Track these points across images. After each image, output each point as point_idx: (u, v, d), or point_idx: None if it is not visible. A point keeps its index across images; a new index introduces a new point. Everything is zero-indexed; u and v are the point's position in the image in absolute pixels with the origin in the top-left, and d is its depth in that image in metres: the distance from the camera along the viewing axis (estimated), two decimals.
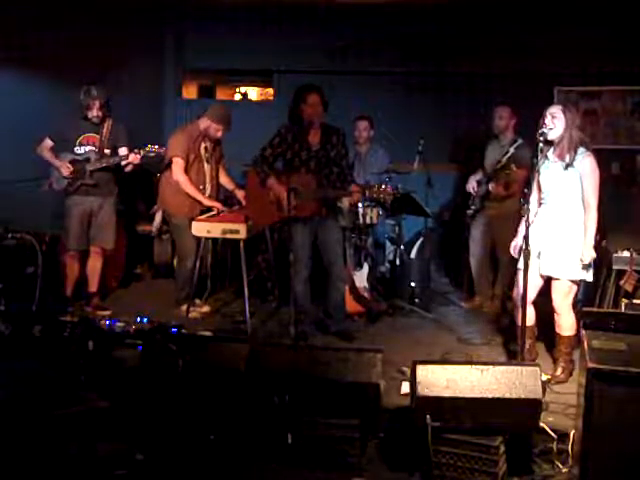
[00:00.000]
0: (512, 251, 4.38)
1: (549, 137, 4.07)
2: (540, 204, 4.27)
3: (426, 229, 6.32)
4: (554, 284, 4.23)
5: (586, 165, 4.06)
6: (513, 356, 4.42)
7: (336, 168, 4.99)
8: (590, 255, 4.08)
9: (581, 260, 4.08)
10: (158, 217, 6.54)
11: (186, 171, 5.51)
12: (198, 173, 5.58)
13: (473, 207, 5.87)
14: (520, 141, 5.53)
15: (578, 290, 4.39)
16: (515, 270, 4.28)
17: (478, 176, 5.88)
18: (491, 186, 5.59)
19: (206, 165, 5.63)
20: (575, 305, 4.34)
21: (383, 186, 4.92)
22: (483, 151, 5.93)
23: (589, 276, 4.19)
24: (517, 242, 4.31)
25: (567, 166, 4.09)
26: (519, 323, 4.30)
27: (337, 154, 4.98)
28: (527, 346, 4.30)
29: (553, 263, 4.18)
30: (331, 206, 5.10)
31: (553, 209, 4.20)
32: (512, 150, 5.52)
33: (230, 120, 5.54)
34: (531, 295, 4.29)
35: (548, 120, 4.09)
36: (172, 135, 5.65)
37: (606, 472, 3.02)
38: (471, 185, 5.84)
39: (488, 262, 5.94)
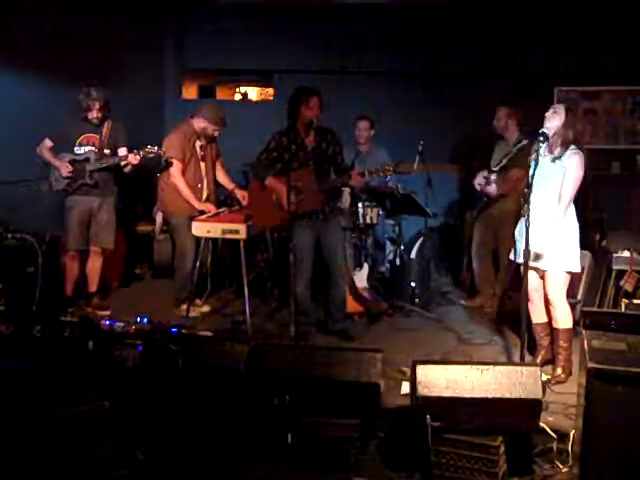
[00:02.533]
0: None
1: (545, 126, 4.12)
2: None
3: (426, 229, 6.32)
4: (546, 276, 4.25)
5: (572, 162, 4.12)
6: (530, 354, 4.39)
7: (333, 164, 5.07)
8: (543, 247, 4.10)
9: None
10: (159, 218, 6.55)
11: (183, 171, 5.51)
12: (195, 172, 5.59)
13: (478, 206, 5.86)
14: (525, 142, 5.53)
15: (573, 284, 4.39)
16: (517, 269, 4.29)
17: (485, 173, 5.88)
18: (490, 188, 5.56)
19: (202, 163, 5.64)
20: (573, 306, 4.35)
21: (386, 166, 4.96)
22: (491, 150, 5.93)
23: (576, 267, 4.22)
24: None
25: (554, 159, 4.15)
26: (533, 320, 4.33)
27: (333, 151, 5.05)
28: (545, 343, 4.36)
29: (542, 255, 4.18)
30: (333, 204, 5.11)
31: (541, 202, 4.19)
32: (515, 151, 5.52)
33: (225, 118, 5.56)
34: (538, 291, 4.32)
35: (549, 113, 4.17)
36: (166, 137, 5.66)
37: (606, 472, 3.02)
38: (478, 181, 5.80)
39: (490, 261, 5.93)
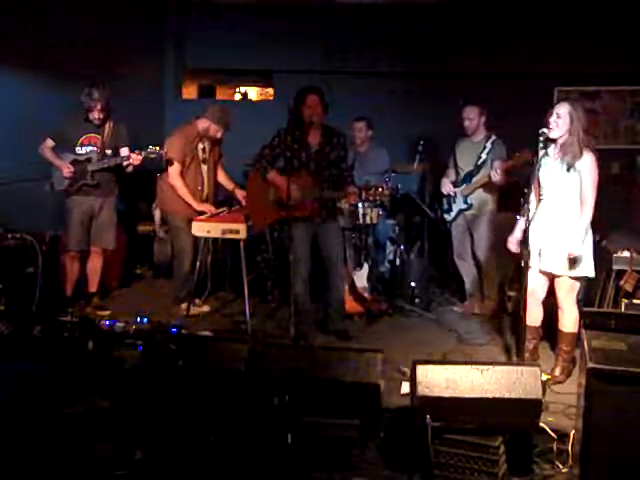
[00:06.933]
0: (510, 246, 4.40)
1: (550, 135, 4.09)
2: (539, 200, 4.28)
3: (426, 229, 6.29)
4: (557, 280, 4.24)
5: (586, 162, 4.07)
6: (516, 355, 4.42)
7: (335, 169, 5.00)
8: (578, 252, 4.06)
9: (569, 254, 4.07)
10: (157, 215, 6.55)
11: (183, 172, 5.51)
12: (196, 174, 5.58)
13: (455, 209, 5.78)
14: (494, 137, 5.56)
15: (581, 287, 4.38)
16: (516, 269, 4.29)
17: (451, 177, 5.84)
18: (493, 174, 5.41)
19: (203, 166, 5.63)
20: (578, 303, 4.34)
21: (380, 188, 4.92)
22: (453, 151, 5.86)
23: (590, 272, 4.19)
24: (515, 236, 4.35)
25: (569, 168, 4.09)
26: (526, 322, 4.31)
27: (337, 155, 4.99)
28: (531, 346, 4.32)
29: (554, 260, 4.18)
30: (330, 207, 5.10)
31: (554, 206, 4.20)
32: (489, 145, 5.54)
33: (230, 121, 5.55)
34: (539, 294, 4.31)
35: (553, 119, 4.11)
36: (169, 137, 5.66)
37: (606, 472, 3.02)
38: (447, 187, 5.77)
39: (472, 264, 5.86)
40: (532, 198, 4.20)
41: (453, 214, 5.79)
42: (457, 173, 5.77)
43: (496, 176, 5.35)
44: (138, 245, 6.81)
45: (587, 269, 4.17)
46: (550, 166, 4.18)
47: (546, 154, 4.17)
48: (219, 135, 5.58)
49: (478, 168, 5.60)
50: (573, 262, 4.10)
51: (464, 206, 5.70)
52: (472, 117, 5.63)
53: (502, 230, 4.92)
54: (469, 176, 5.65)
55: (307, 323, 5.04)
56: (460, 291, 6.09)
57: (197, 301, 5.74)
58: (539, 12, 6.93)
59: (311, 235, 5.01)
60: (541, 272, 4.26)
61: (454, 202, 5.75)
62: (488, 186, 5.55)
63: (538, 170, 4.12)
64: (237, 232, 5.17)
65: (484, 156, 5.56)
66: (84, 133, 5.41)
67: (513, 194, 4.93)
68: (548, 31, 6.92)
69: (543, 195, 4.24)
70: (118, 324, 4.37)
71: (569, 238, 4.10)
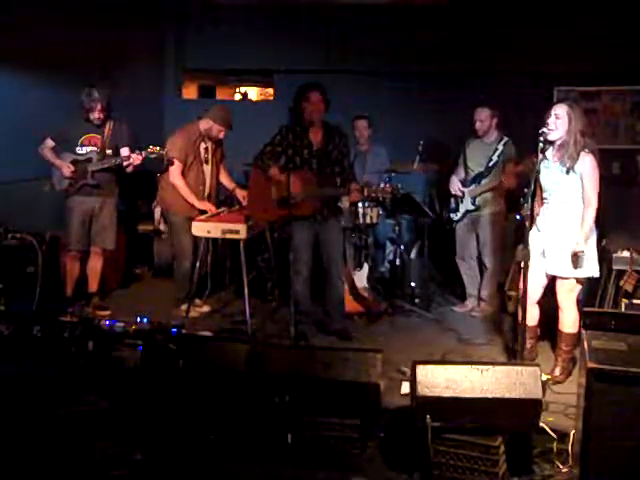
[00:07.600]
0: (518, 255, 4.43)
1: (549, 138, 4.08)
2: (542, 203, 4.28)
3: (426, 229, 6.30)
4: (558, 281, 4.24)
5: (586, 163, 4.07)
6: (513, 356, 4.42)
7: (337, 167, 5.01)
8: (581, 247, 4.06)
9: (574, 249, 4.06)
10: (157, 213, 6.56)
11: (184, 172, 5.51)
12: (197, 174, 5.58)
13: (462, 209, 5.77)
14: (506, 138, 5.55)
15: (582, 287, 4.38)
16: (517, 269, 4.29)
17: (460, 175, 5.82)
18: (504, 179, 5.44)
19: (205, 166, 5.63)
20: (578, 303, 4.34)
21: (382, 185, 4.92)
22: (463, 151, 5.86)
23: (595, 272, 4.19)
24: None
25: (568, 170, 4.09)
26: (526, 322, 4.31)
27: (339, 153, 4.99)
28: (528, 346, 4.31)
29: (558, 262, 4.18)
30: (332, 206, 5.10)
31: (556, 208, 4.20)
32: (501, 147, 5.53)
33: (231, 121, 5.55)
34: (535, 295, 4.31)
35: (551, 120, 4.10)
36: (171, 136, 5.65)
37: (606, 472, 3.02)
38: (456, 186, 5.78)
39: (474, 265, 5.87)
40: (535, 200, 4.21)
41: (460, 214, 5.77)
42: (466, 173, 5.76)
43: (507, 181, 5.37)
44: (138, 245, 6.81)
45: (592, 269, 4.17)
46: (550, 169, 4.18)
47: (545, 157, 4.17)
48: (221, 135, 5.58)
49: (489, 170, 5.58)
50: (576, 260, 4.09)
51: (472, 207, 5.68)
52: (483, 119, 5.61)
53: (507, 231, 4.93)
54: (479, 177, 5.64)
55: (307, 323, 5.04)
56: (460, 291, 6.09)
57: (197, 301, 5.74)
58: (539, 12, 6.92)
59: (312, 234, 5.01)
60: (542, 274, 4.26)
61: (461, 202, 5.73)
62: (496, 188, 5.55)
63: (538, 172, 4.12)
64: (237, 232, 5.16)
65: (495, 158, 5.54)
66: (84, 133, 5.41)
67: (519, 195, 4.94)
68: (548, 31, 6.91)
69: (546, 198, 4.25)
70: (118, 324, 4.37)
71: (572, 238, 4.10)
